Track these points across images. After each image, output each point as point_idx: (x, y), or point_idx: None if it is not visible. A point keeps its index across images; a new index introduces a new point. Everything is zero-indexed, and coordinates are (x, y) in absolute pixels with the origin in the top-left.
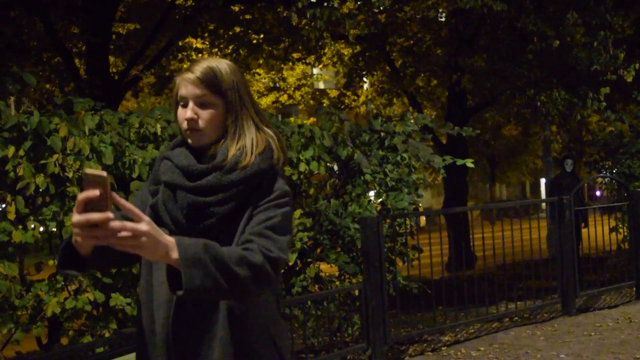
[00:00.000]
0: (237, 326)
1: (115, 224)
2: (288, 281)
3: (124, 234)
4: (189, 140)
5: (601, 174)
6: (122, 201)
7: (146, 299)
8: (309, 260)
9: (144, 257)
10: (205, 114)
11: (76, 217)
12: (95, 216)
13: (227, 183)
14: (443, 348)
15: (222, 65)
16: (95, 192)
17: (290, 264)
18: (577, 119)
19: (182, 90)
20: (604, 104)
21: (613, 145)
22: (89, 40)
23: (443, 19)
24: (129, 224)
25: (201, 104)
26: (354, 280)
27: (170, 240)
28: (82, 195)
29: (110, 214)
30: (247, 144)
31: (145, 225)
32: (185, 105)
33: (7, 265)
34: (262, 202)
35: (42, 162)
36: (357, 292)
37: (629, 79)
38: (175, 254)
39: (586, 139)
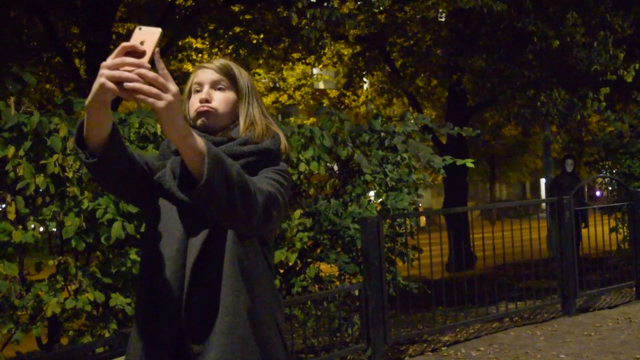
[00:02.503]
0: (245, 300)
1: (149, 72)
2: (288, 281)
3: (148, 89)
4: (199, 122)
5: (601, 174)
6: (162, 64)
7: (150, 277)
8: (309, 260)
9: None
10: (219, 95)
11: (111, 60)
12: (131, 59)
13: (239, 153)
14: (443, 348)
15: (233, 63)
16: (140, 44)
17: (290, 264)
18: (577, 119)
19: (199, 77)
20: (604, 104)
21: (613, 145)
22: (89, 40)
23: (443, 19)
24: (160, 78)
25: (217, 88)
26: (354, 280)
27: (190, 128)
28: (127, 43)
29: (146, 63)
30: (258, 130)
31: (174, 87)
32: (199, 91)
33: (7, 265)
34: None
35: (42, 162)
36: (357, 292)
37: (629, 79)
38: (194, 141)
39: (586, 139)
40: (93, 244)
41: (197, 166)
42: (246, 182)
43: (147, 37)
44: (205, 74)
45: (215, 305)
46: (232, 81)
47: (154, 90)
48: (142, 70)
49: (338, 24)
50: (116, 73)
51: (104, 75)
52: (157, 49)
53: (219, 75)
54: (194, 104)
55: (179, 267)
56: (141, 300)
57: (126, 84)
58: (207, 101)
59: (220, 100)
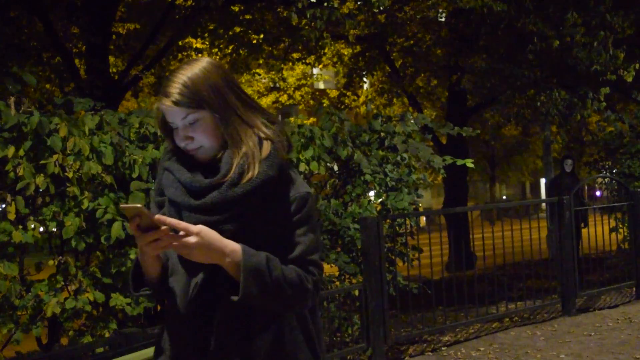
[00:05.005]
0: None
1: (167, 236)
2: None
3: (176, 243)
4: (197, 157)
5: (601, 174)
6: (168, 220)
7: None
8: None
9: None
10: (197, 131)
11: (139, 240)
12: (151, 235)
13: (233, 198)
14: (443, 348)
15: (197, 72)
16: (140, 219)
17: None
18: (577, 119)
19: (167, 116)
20: (604, 104)
21: (613, 145)
22: (89, 40)
23: (443, 19)
24: (180, 223)
25: (189, 123)
26: (354, 280)
27: (230, 245)
28: (132, 226)
29: (162, 228)
30: (250, 151)
31: (193, 238)
32: (176, 128)
33: (7, 265)
34: (285, 217)
35: (42, 162)
36: (357, 292)
37: (629, 79)
38: (229, 259)
39: (586, 139)
40: (93, 244)
41: (236, 277)
42: (290, 281)
43: (136, 212)
44: (170, 115)
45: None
46: (197, 105)
47: (181, 247)
48: (164, 237)
49: (338, 24)
50: (153, 248)
51: (145, 250)
52: (155, 216)
53: (182, 111)
54: (179, 142)
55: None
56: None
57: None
58: (188, 142)
59: (199, 134)
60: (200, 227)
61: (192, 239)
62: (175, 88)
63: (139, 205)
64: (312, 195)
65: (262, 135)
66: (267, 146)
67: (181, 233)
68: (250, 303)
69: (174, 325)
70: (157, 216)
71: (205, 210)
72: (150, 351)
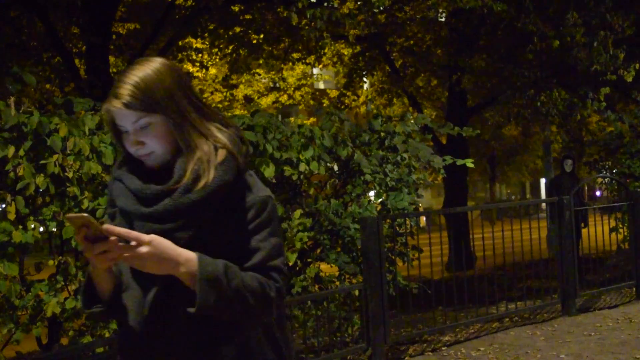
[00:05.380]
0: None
1: (117, 247)
2: (288, 281)
3: (127, 254)
4: (147, 164)
5: (601, 174)
6: (117, 229)
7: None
8: (309, 260)
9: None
10: (148, 136)
11: (87, 252)
12: (100, 247)
13: (186, 205)
14: (443, 348)
15: (149, 73)
16: (88, 230)
17: (291, 264)
18: (577, 119)
19: (117, 119)
20: (604, 104)
21: (613, 145)
22: (89, 40)
23: (443, 19)
24: (131, 232)
25: (140, 127)
26: (354, 280)
27: (184, 254)
28: (79, 237)
29: (111, 239)
30: (204, 156)
31: (145, 248)
32: (126, 132)
33: (7, 265)
34: (244, 223)
35: (42, 162)
36: (357, 292)
37: (629, 79)
38: (184, 268)
39: (586, 139)
40: None
41: (193, 288)
42: (251, 290)
43: (84, 222)
44: (120, 118)
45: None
46: (149, 109)
47: (132, 258)
48: (114, 249)
49: (338, 24)
50: (101, 260)
51: (93, 263)
52: (103, 226)
53: (133, 114)
54: (129, 147)
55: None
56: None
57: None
58: (139, 147)
59: (151, 139)
60: (152, 236)
61: (143, 249)
62: (127, 89)
63: (85, 214)
64: (272, 199)
65: (217, 139)
66: (222, 151)
67: (132, 243)
68: (210, 314)
69: (128, 345)
70: (106, 226)
71: (157, 218)
72: None
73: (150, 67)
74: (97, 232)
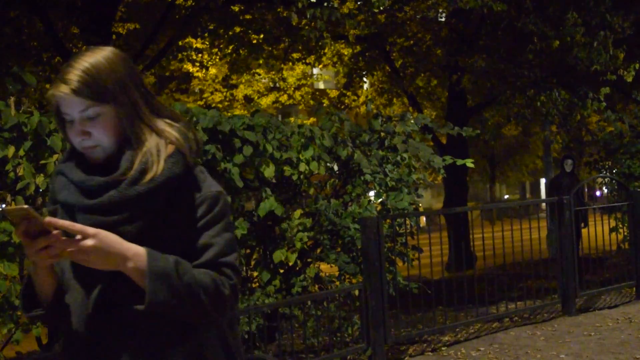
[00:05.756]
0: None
1: (60, 241)
2: (288, 281)
3: (71, 249)
4: (90, 156)
5: (601, 174)
6: (60, 222)
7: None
8: (309, 260)
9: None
10: (96, 127)
11: (28, 249)
12: (42, 242)
13: (133, 197)
14: (443, 348)
15: (101, 61)
16: (28, 223)
17: (290, 264)
18: (577, 119)
19: (63, 107)
20: (604, 104)
21: (613, 145)
22: (89, 40)
23: (443, 19)
24: (75, 225)
25: (88, 117)
26: (354, 280)
27: (132, 249)
28: (18, 232)
29: (53, 233)
30: (153, 149)
31: (90, 240)
32: (71, 121)
33: (7, 265)
34: (195, 218)
35: (42, 162)
36: (357, 292)
37: (629, 79)
38: (132, 264)
39: (586, 139)
40: None
41: (141, 284)
42: (204, 286)
43: (24, 215)
44: (68, 105)
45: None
46: (100, 98)
47: (77, 253)
48: (57, 243)
49: (338, 24)
50: (43, 256)
51: (34, 259)
52: (46, 219)
53: (82, 102)
54: (73, 137)
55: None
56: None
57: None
58: (84, 138)
59: (99, 130)
60: (97, 230)
61: (88, 242)
62: (76, 75)
63: (25, 206)
64: (224, 195)
65: (167, 133)
66: (173, 143)
67: (76, 237)
68: (160, 312)
69: (72, 350)
70: (48, 219)
71: (101, 210)
72: None
73: (101, 54)
74: (38, 226)
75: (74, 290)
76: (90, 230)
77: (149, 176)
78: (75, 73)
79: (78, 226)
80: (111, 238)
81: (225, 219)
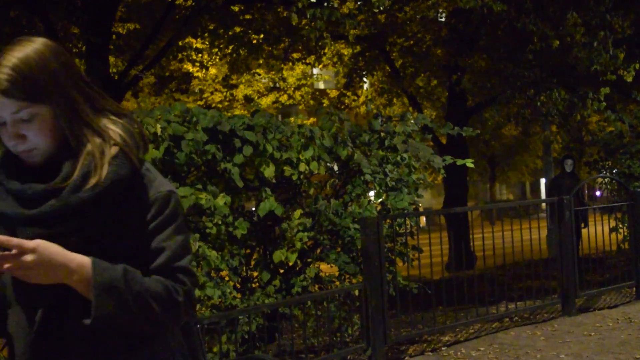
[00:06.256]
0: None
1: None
2: (288, 281)
3: (8, 265)
4: (27, 161)
5: (601, 174)
6: None
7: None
8: (309, 260)
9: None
10: (31, 130)
11: None
12: None
13: (77, 205)
14: (443, 348)
15: (32, 56)
16: None
17: (290, 264)
18: (577, 119)
19: None
20: (604, 104)
21: (613, 145)
22: (89, 40)
23: (443, 19)
24: (12, 240)
25: (21, 119)
26: (354, 280)
27: (76, 260)
28: None
29: None
30: (96, 151)
31: (30, 255)
32: (3, 123)
33: None
34: (144, 222)
35: None
36: (357, 292)
37: (629, 79)
38: (76, 276)
39: (586, 139)
40: None
41: (88, 297)
42: (156, 295)
43: None
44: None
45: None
46: (34, 98)
47: (15, 269)
48: None
49: (338, 24)
50: None
51: None
52: None
53: (14, 103)
54: (6, 141)
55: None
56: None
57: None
58: (18, 142)
59: (34, 133)
60: (37, 242)
61: (28, 257)
62: (4, 74)
63: None
64: (175, 194)
65: (110, 131)
66: (117, 142)
67: (14, 251)
68: (109, 325)
69: None
70: None
71: (42, 221)
72: None
73: (31, 47)
74: None
75: (17, 306)
76: (29, 244)
77: (92, 181)
78: (4, 72)
79: (15, 240)
80: (52, 250)
81: (177, 220)
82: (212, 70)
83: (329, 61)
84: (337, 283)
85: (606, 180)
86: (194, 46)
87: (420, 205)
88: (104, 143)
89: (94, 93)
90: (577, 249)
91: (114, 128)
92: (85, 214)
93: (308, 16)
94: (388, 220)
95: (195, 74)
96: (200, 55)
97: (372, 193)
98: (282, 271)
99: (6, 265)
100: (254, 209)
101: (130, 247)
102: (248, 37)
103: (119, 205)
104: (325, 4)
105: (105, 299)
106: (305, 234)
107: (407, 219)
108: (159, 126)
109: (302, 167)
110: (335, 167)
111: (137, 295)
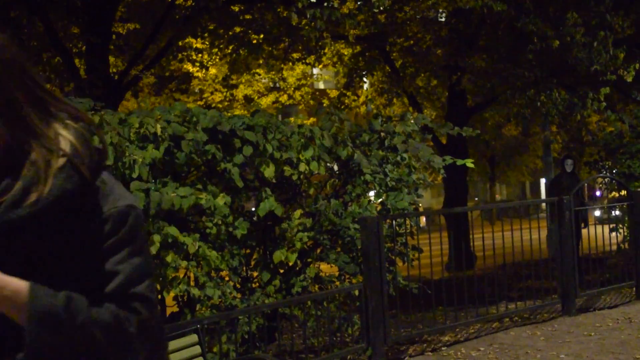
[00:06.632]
0: None
1: None
2: (288, 281)
3: None
4: None
5: (601, 174)
6: None
7: None
8: (309, 260)
9: None
10: None
11: None
12: None
13: (13, 222)
14: (443, 348)
15: None
16: None
17: (290, 264)
18: (577, 119)
19: None
20: (604, 104)
21: (613, 145)
22: (89, 40)
23: (443, 19)
24: None
25: None
26: (354, 280)
27: (11, 285)
28: None
29: None
30: (40, 161)
31: None
32: None
33: None
34: (96, 241)
35: None
36: (357, 292)
37: (629, 79)
38: (10, 302)
39: (586, 139)
40: None
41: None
42: (103, 326)
43: None
44: None
45: None
46: None
47: None
48: None
49: (338, 24)
50: None
51: None
52: None
53: None
54: None
55: None
56: None
57: None
58: None
59: None
60: None
61: None
62: None
63: None
64: (135, 209)
65: (58, 139)
66: (65, 152)
67: None
68: (47, 359)
69: None
70: None
71: None
72: None
73: None
74: None
75: None
76: None
77: (33, 196)
78: None
79: None
80: None
81: (135, 240)
82: (212, 70)
83: (329, 61)
84: (337, 283)
85: (606, 180)
86: (194, 46)
87: (420, 205)
88: (50, 153)
89: (45, 95)
90: (577, 249)
91: (65, 134)
92: (24, 233)
93: (308, 16)
94: (388, 220)
95: (195, 74)
96: (200, 55)
97: (372, 193)
98: (282, 271)
99: None
100: (254, 209)
101: (80, 270)
102: (248, 37)
103: (66, 223)
104: (325, 4)
105: (42, 330)
106: (305, 234)
107: (407, 219)
108: (159, 126)
109: (302, 167)
110: (335, 167)
111: (80, 326)
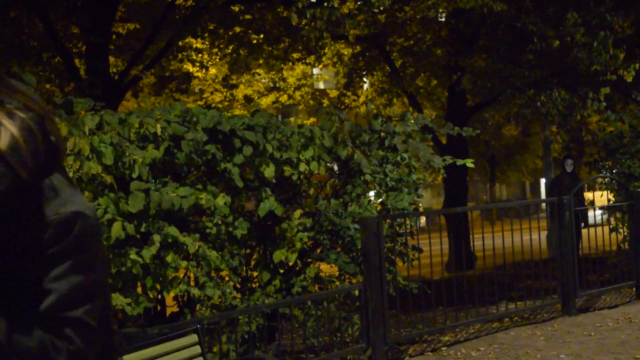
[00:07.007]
0: None
1: None
2: (288, 281)
3: None
4: None
5: (601, 174)
6: None
7: None
8: (309, 260)
9: None
10: None
11: None
12: None
13: None
14: (443, 348)
15: None
16: None
17: (290, 264)
18: (577, 119)
19: None
20: (604, 104)
21: (613, 145)
22: (89, 40)
23: (443, 19)
24: None
25: None
26: (354, 280)
27: None
28: None
29: None
30: None
31: None
32: None
33: None
34: (33, 252)
35: None
36: (357, 292)
37: (629, 79)
38: None
39: (586, 139)
40: None
41: None
42: (23, 355)
43: None
44: None
45: None
46: None
47: None
48: None
49: (338, 24)
50: None
51: None
52: None
53: None
54: None
55: None
56: None
57: None
58: None
59: None
60: None
61: None
62: None
63: None
64: (83, 216)
65: (3, 129)
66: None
67: None
68: None
69: None
70: None
71: None
72: (150, 351)
73: None
74: None
75: None
76: None
77: None
78: None
79: None
80: None
81: (80, 253)
82: (212, 70)
83: (329, 61)
84: (337, 283)
85: (606, 180)
86: (194, 46)
87: (420, 205)
88: None
89: None
90: (577, 249)
91: (8, 126)
92: None
93: (308, 16)
94: (388, 220)
95: (195, 74)
96: (200, 55)
97: (372, 193)
98: (282, 271)
99: None
100: (254, 209)
101: (11, 285)
102: (248, 37)
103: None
104: (325, 4)
105: None
106: (305, 234)
107: (407, 219)
108: (159, 126)
109: (302, 167)
110: (335, 167)
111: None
